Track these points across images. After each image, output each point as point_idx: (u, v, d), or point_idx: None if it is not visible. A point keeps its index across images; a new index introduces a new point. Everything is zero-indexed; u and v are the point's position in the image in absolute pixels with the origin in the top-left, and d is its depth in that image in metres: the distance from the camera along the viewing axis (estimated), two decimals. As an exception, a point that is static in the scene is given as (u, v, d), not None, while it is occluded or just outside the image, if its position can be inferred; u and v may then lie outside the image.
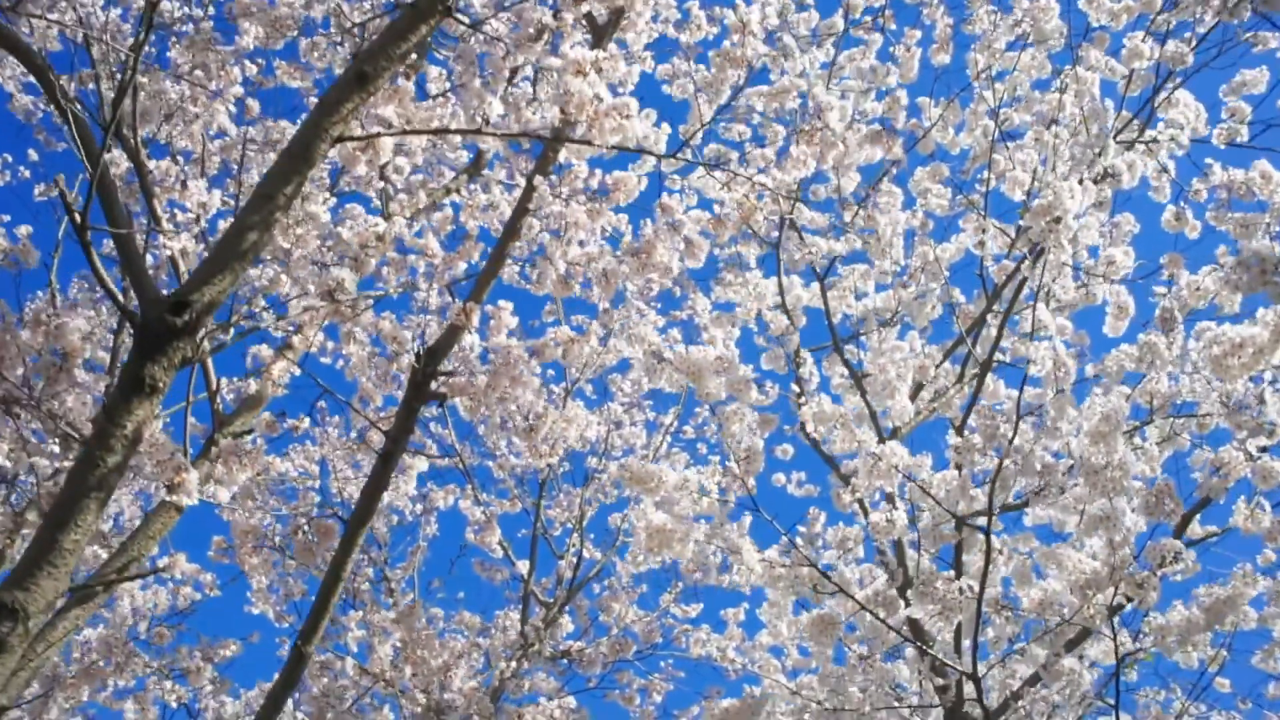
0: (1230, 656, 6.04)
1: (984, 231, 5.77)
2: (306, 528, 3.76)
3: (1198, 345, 4.08)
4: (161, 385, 2.81)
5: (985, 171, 6.11)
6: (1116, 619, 4.20)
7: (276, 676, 3.72)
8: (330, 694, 3.77)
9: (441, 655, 6.22)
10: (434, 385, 3.80)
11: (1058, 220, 4.02)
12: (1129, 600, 4.35)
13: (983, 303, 6.14)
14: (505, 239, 3.80)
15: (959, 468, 4.19)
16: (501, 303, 3.75)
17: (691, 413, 9.10)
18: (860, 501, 4.54)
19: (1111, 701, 4.24)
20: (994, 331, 5.55)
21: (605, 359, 8.51)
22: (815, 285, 6.97)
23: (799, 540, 4.14)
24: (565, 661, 7.31)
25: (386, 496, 8.78)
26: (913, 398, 5.59)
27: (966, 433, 4.18)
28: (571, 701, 3.97)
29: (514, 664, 6.31)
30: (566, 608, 7.34)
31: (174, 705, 4.76)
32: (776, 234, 6.79)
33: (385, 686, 5.12)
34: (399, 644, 5.12)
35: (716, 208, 3.79)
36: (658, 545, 4.29)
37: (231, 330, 3.93)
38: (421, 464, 5.49)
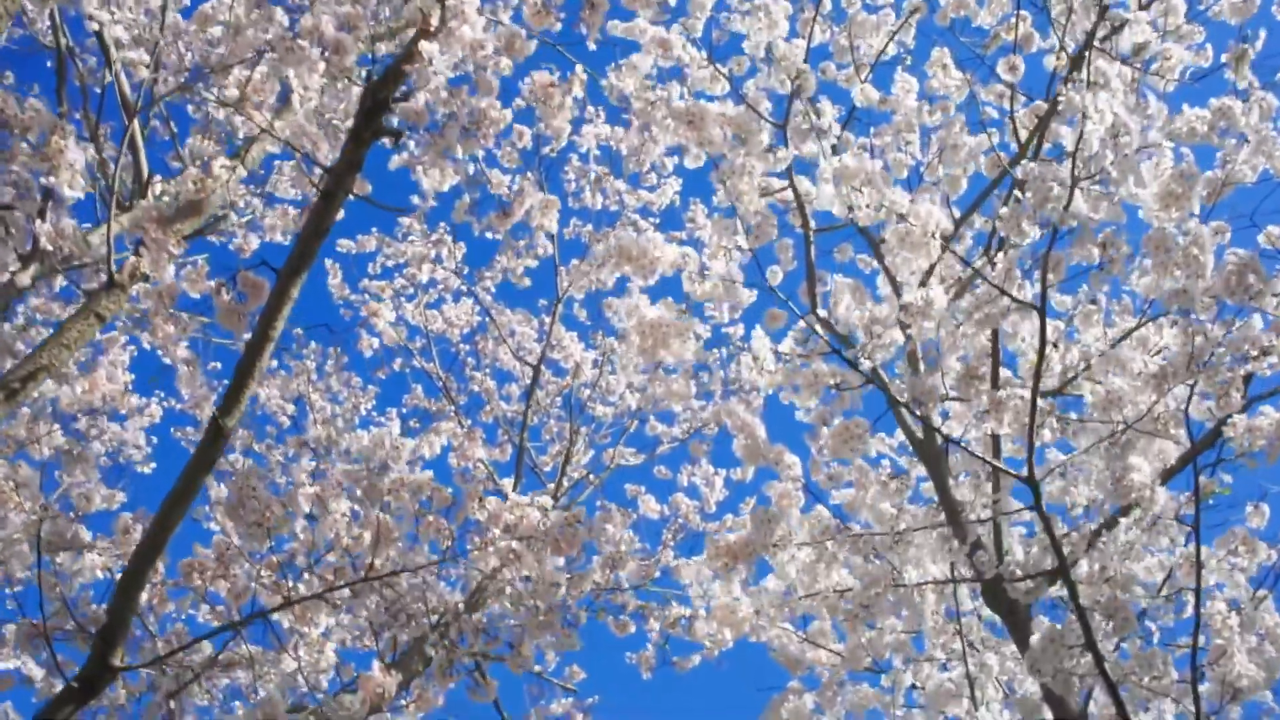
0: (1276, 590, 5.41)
1: (1013, 70, 5.22)
2: (231, 284, 3.14)
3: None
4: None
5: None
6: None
7: (191, 457, 3.08)
8: (256, 498, 3.10)
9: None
10: (386, 118, 3.21)
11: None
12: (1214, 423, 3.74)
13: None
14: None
15: (1005, 243, 3.58)
16: (466, -3, 3.17)
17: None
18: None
19: (1190, 526, 3.58)
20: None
21: (598, 276, 7.90)
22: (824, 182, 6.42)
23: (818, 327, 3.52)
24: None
25: (367, 441, 8.13)
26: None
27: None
28: (547, 501, 3.30)
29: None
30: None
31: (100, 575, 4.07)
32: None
33: (342, 556, 4.44)
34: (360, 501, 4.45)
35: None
36: (653, 345, 3.67)
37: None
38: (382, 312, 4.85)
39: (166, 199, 4.22)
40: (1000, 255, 3.61)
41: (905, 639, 5.54)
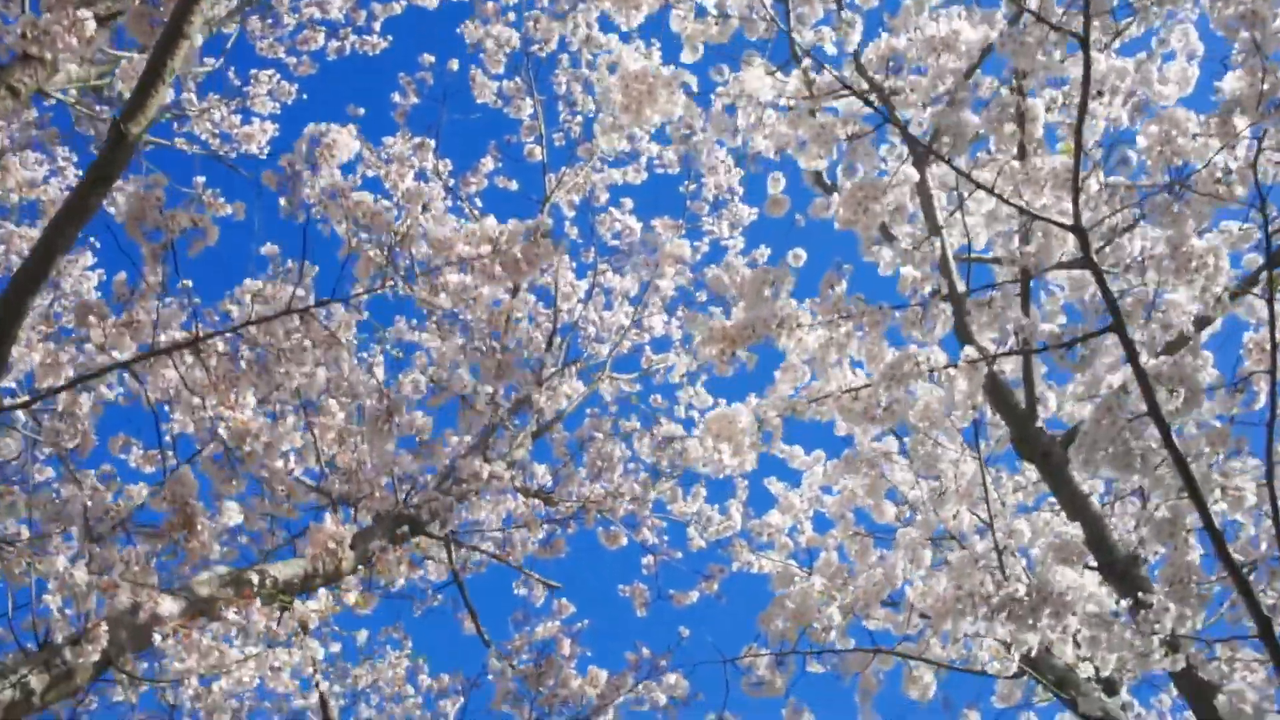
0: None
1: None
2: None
3: None
4: None
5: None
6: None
7: (88, 167, 2.60)
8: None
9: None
10: None
11: None
12: None
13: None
14: None
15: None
16: None
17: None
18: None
19: (1260, 294, 3.08)
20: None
21: (591, 179, 7.39)
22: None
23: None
24: (540, 503, 6.08)
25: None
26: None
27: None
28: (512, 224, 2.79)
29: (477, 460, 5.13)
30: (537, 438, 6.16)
31: None
32: None
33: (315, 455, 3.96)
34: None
35: None
36: (637, 102, 3.20)
37: None
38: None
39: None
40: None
41: (924, 554, 5.02)
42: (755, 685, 5.26)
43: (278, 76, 7.40)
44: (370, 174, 7.50)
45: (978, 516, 4.98)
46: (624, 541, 5.85)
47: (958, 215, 4.28)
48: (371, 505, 4.61)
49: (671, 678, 4.80)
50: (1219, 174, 3.06)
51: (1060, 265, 3.25)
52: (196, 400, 2.91)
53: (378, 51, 7.30)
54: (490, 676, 4.85)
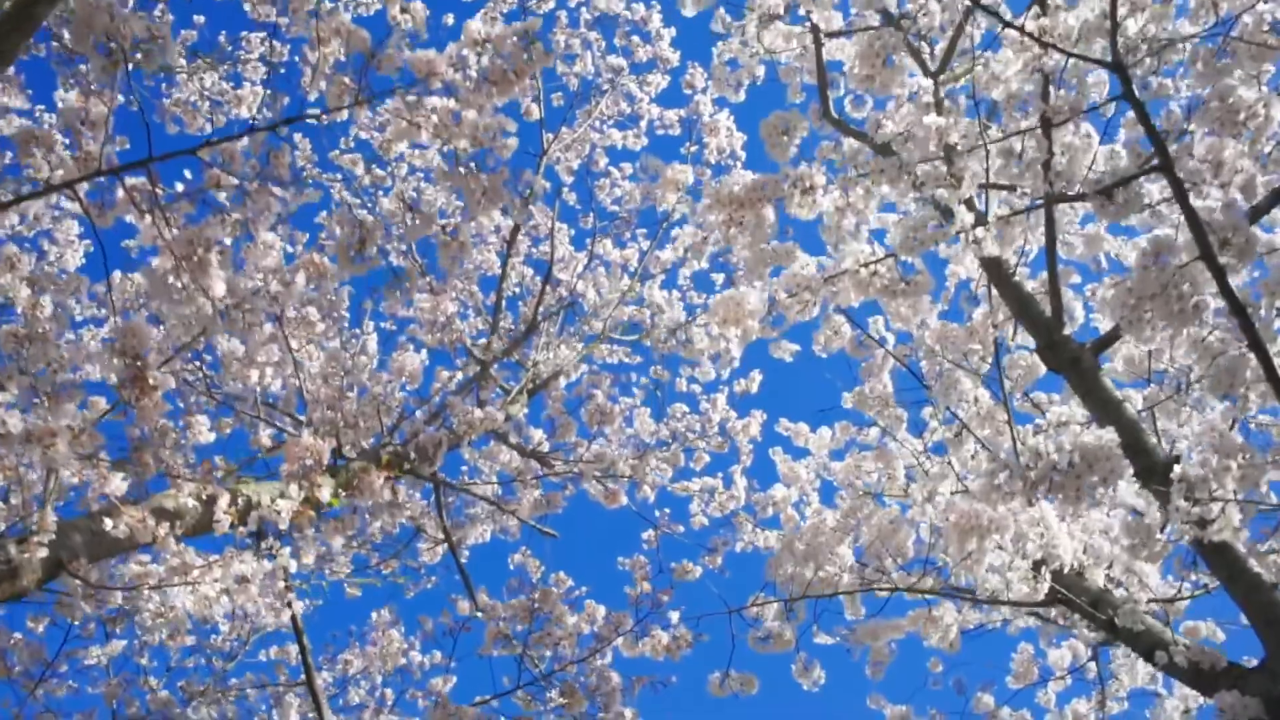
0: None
1: None
2: None
3: None
4: None
5: None
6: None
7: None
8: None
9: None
10: None
11: None
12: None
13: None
14: None
15: None
16: None
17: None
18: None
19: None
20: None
21: (590, 137, 7.15)
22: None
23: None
24: (538, 464, 5.80)
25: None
26: None
27: None
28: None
29: (467, 407, 4.87)
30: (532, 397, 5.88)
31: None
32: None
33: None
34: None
35: None
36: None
37: None
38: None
39: None
40: None
41: (944, 484, 4.77)
42: (763, 640, 4.94)
43: (269, 40, 7.22)
44: (363, 136, 7.34)
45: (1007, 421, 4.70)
46: (623, 500, 5.56)
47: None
48: (356, 438, 4.35)
49: (674, 615, 4.49)
50: (1266, 20, 2.84)
51: (1095, 107, 3.00)
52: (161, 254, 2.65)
53: (372, 12, 7.12)
54: (480, 614, 4.54)
